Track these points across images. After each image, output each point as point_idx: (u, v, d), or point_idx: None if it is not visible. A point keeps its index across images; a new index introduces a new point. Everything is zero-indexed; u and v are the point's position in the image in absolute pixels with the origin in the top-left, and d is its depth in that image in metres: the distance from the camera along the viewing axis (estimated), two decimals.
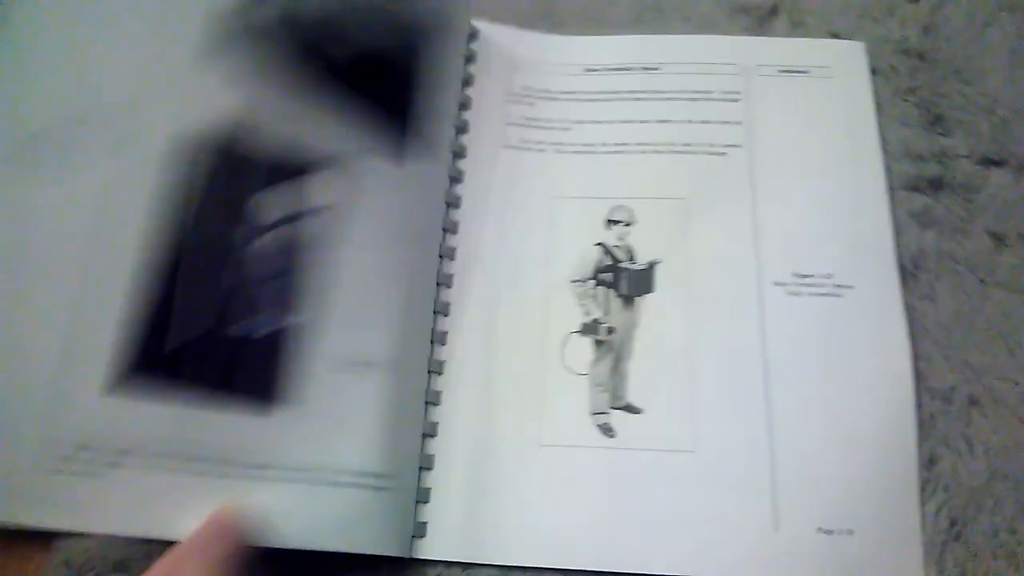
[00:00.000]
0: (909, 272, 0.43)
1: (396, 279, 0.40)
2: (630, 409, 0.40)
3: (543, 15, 0.52)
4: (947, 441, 0.40)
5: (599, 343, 0.42)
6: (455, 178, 0.46)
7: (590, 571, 0.37)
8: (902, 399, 0.40)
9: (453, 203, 0.45)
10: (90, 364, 0.35)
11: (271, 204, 0.38)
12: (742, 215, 0.44)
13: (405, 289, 0.40)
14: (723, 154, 0.46)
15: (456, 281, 0.43)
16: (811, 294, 0.42)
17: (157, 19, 0.41)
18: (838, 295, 0.42)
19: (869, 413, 0.40)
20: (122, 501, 0.35)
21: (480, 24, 0.50)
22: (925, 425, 0.40)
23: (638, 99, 0.48)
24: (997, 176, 0.45)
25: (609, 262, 0.44)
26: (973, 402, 0.40)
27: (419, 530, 0.38)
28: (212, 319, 0.36)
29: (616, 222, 0.45)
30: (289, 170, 0.38)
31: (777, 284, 0.42)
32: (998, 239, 0.44)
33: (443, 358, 0.42)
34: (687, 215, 0.44)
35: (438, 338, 0.42)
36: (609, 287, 0.43)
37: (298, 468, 0.36)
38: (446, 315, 0.43)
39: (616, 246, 0.44)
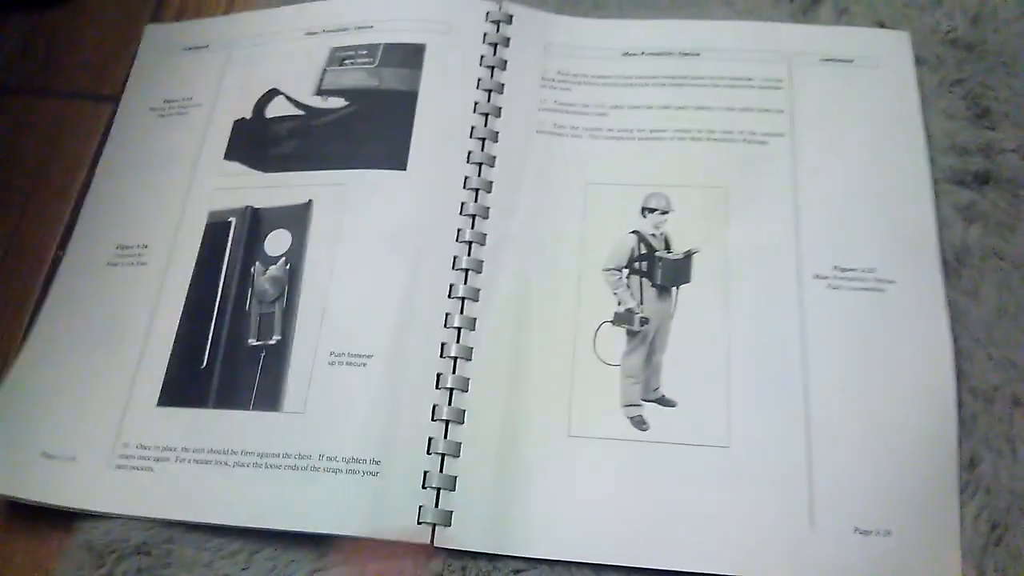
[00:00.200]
0: (952, 267, 0.42)
1: (392, 273, 0.42)
2: (663, 402, 0.39)
3: None
4: (988, 442, 0.38)
5: (632, 334, 0.41)
6: (486, 163, 0.45)
7: (619, 566, 0.37)
8: (943, 398, 0.39)
9: (484, 188, 0.44)
10: (151, 384, 0.42)
11: (280, 240, 0.45)
12: (783, 205, 0.43)
13: (402, 281, 0.42)
14: (764, 143, 0.45)
15: (486, 268, 0.43)
16: (852, 288, 0.41)
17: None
18: (880, 290, 0.41)
19: (909, 411, 0.38)
20: (166, 489, 0.40)
21: (515, 8, 0.49)
22: (966, 425, 0.38)
23: (677, 85, 0.47)
24: None
25: (644, 251, 0.43)
26: (1017, 402, 0.39)
27: (444, 518, 0.38)
28: (236, 336, 0.43)
29: (652, 210, 0.44)
30: (294, 208, 0.46)
31: (818, 277, 0.41)
32: None
33: (471, 344, 0.41)
34: (726, 204, 0.43)
35: (466, 324, 0.41)
36: (644, 276, 0.42)
37: (300, 456, 0.39)
38: (475, 301, 0.42)
39: (652, 234, 0.43)
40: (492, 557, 0.37)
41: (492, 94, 0.47)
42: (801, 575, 0.36)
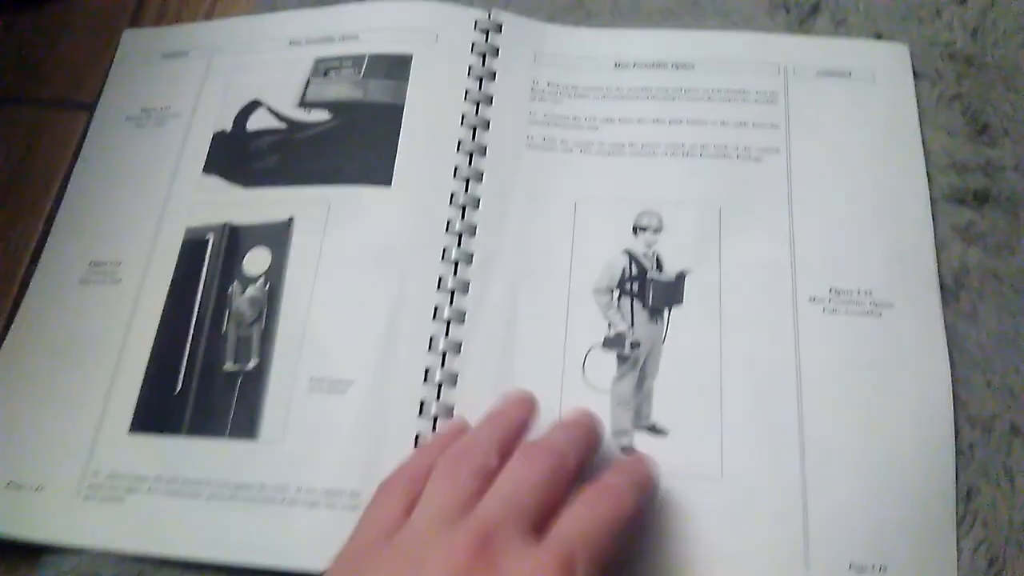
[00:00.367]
0: (950, 289, 0.41)
1: (375, 294, 0.41)
2: (654, 430, 0.38)
3: (572, 6, 0.49)
4: (986, 473, 0.37)
5: (623, 358, 0.40)
6: (473, 179, 0.44)
7: None
8: (941, 427, 0.38)
9: (471, 205, 0.43)
10: (123, 409, 0.41)
11: (259, 259, 0.43)
12: (778, 225, 0.42)
13: (385, 303, 0.41)
14: (759, 160, 0.43)
15: (472, 288, 0.41)
16: (848, 313, 0.40)
17: None
18: (877, 314, 0.40)
19: (906, 442, 0.37)
20: (137, 522, 0.38)
21: (504, 16, 0.48)
22: (964, 455, 0.37)
23: (670, 98, 0.46)
24: None
25: (636, 271, 0.41)
26: (1016, 431, 0.38)
27: None
28: (212, 359, 0.41)
29: (644, 228, 0.42)
30: (275, 226, 0.44)
31: (813, 300, 0.40)
32: None
33: (456, 368, 0.40)
34: (719, 223, 0.42)
35: (451, 347, 0.40)
36: (635, 298, 0.41)
37: (277, 487, 0.38)
38: (461, 323, 0.41)
39: (644, 254, 0.42)
40: None
41: (480, 106, 0.46)
42: None
